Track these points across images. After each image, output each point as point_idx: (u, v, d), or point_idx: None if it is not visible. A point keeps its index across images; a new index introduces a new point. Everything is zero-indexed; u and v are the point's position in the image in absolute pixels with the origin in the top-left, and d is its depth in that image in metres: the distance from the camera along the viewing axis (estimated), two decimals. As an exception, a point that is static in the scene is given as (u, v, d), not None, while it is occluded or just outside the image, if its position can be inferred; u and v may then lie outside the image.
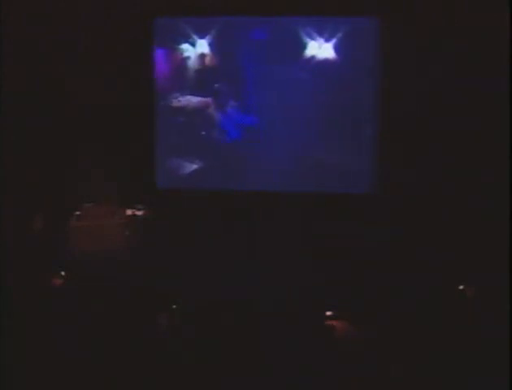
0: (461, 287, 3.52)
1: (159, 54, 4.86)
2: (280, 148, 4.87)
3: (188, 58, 4.85)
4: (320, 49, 4.69)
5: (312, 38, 4.69)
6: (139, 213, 4.68)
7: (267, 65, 4.78)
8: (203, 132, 4.94)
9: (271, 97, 4.82)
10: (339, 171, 4.85)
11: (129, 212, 4.63)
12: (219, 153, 4.94)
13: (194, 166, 4.99)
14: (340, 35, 4.65)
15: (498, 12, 4.06)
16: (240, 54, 4.80)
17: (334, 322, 3.13)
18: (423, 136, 4.52)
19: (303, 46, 4.71)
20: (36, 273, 3.60)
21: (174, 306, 3.29)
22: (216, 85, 4.87)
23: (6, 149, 4.39)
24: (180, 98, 4.92)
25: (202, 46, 4.81)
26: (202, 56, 4.84)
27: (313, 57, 4.71)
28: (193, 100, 4.92)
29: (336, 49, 4.67)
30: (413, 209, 4.48)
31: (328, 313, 3.22)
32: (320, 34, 4.68)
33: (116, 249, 4.25)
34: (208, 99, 4.90)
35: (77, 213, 4.47)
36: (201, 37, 4.79)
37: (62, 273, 3.70)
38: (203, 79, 4.87)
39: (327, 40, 4.67)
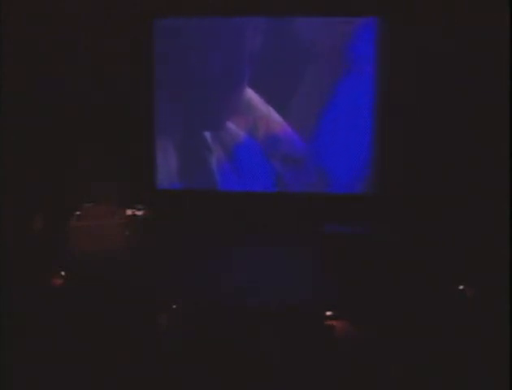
0: (461, 287, 3.52)
1: (159, 54, 4.86)
2: (281, 148, 4.88)
3: (188, 58, 4.85)
4: (320, 49, 4.69)
5: (312, 38, 4.69)
6: (139, 213, 4.69)
7: (267, 64, 4.78)
8: (204, 132, 4.94)
9: (270, 97, 4.82)
10: (339, 170, 4.85)
11: (129, 212, 4.64)
12: (220, 154, 4.94)
13: (195, 166, 4.99)
14: (340, 35, 4.66)
15: (498, 12, 4.07)
16: (240, 54, 4.80)
17: (334, 322, 3.12)
18: (423, 136, 4.53)
19: (303, 46, 4.72)
20: (36, 273, 3.60)
21: (174, 306, 3.29)
22: (217, 85, 4.87)
23: (6, 149, 4.39)
24: (180, 98, 4.93)
25: (202, 46, 4.81)
26: (202, 56, 4.84)
27: (312, 57, 4.72)
28: (193, 99, 4.92)
29: (336, 48, 4.68)
30: (413, 209, 4.49)
31: (328, 313, 3.22)
32: (320, 34, 4.69)
33: (116, 249, 4.25)
34: (209, 98, 4.90)
35: (77, 213, 4.47)
36: (202, 37, 4.80)
37: (62, 273, 3.69)
38: (203, 78, 4.87)
39: (327, 40, 4.68)
